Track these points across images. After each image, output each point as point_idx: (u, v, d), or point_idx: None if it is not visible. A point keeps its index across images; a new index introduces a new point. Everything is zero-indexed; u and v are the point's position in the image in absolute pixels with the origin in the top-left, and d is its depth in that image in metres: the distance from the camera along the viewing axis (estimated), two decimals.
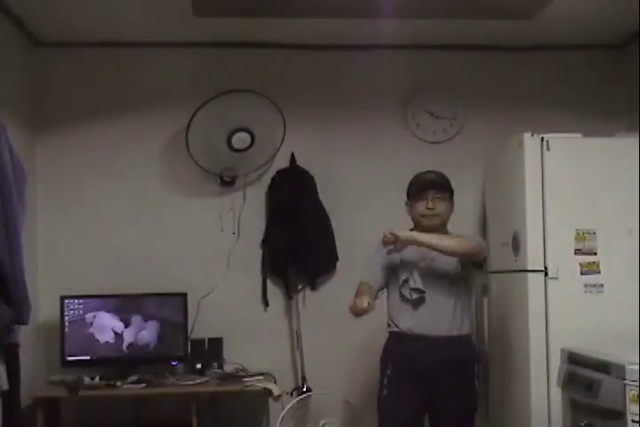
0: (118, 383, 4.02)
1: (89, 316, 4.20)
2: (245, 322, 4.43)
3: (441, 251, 3.30)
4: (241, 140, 4.28)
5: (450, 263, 3.40)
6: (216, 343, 4.28)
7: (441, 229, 3.45)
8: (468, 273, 3.47)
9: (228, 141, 4.28)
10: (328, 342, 4.40)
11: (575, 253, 3.64)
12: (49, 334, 4.27)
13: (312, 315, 4.45)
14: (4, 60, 3.92)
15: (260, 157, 4.42)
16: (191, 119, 4.29)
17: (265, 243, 4.48)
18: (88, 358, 4.19)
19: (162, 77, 4.49)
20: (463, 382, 3.40)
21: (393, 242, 3.29)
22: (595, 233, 3.64)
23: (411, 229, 3.45)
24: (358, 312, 3.21)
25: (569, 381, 3.25)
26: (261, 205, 4.52)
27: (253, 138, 4.29)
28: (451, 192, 3.47)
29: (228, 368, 4.28)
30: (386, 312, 3.50)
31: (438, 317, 3.36)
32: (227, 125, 4.28)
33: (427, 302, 3.37)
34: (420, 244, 3.30)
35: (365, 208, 4.44)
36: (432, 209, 3.39)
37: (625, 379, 2.82)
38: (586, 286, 3.62)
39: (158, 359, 4.26)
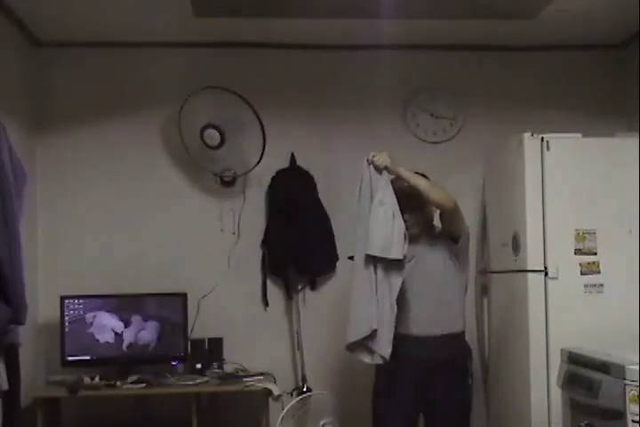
0: (118, 383, 4.02)
1: (89, 316, 4.20)
2: (245, 322, 4.44)
3: (417, 190, 3.33)
4: (210, 136, 4.29)
5: (436, 262, 3.41)
6: (216, 343, 4.28)
7: (422, 233, 3.47)
8: (458, 270, 3.47)
9: (202, 138, 4.30)
10: (328, 342, 4.39)
11: (575, 253, 3.64)
12: (49, 334, 4.27)
13: (312, 315, 4.45)
14: (4, 60, 3.92)
15: (248, 155, 4.41)
16: (179, 120, 4.30)
17: (265, 243, 4.48)
18: (88, 358, 4.19)
19: (162, 77, 4.49)
20: (457, 381, 3.42)
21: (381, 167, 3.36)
22: (595, 233, 3.64)
23: None
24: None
25: (569, 381, 3.25)
26: (261, 205, 4.53)
27: (223, 135, 4.30)
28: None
29: (228, 368, 4.28)
30: None
31: (431, 318, 3.38)
32: (199, 123, 4.31)
33: (418, 303, 3.38)
34: (403, 178, 3.34)
35: None
36: (407, 221, 3.37)
37: (625, 379, 2.82)
38: (586, 286, 3.63)
39: (158, 359, 4.26)
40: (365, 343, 3.30)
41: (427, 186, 3.33)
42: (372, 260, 3.30)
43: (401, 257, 3.26)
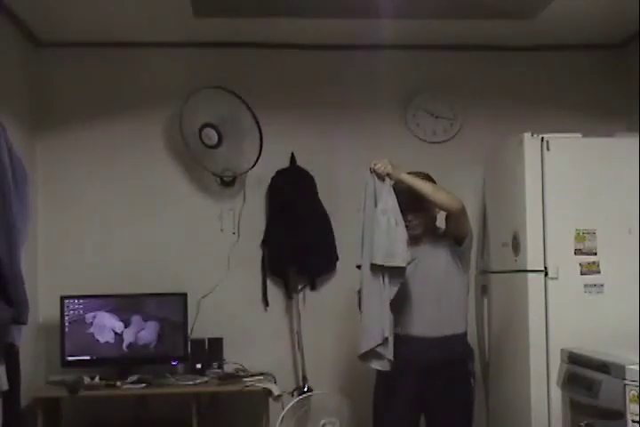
0: (118, 383, 4.02)
1: (89, 316, 4.20)
2: (245, 322, 4.44)
3: (423, 195, 3.31)
4: (208, 135, 4.30)
5: (438, 263, 3.41)
6: (216, 343, 4.28)
7: (426, 234, 3.46)
8: (461, 271, 3.46)
9: (200, 137, 4.31)
10: (328, 342, 4.41)
11: (575, 253, 3.63)
12: (49, 334, 4.28)
13: (312, 315, 4.45)
14: (4, 60, 3.92)
15: (247, 155, 4.41)
16: (180, 119, 4.30)
17: (265, 243, 4.48)
18: (88, 358, 4.20)
19: (161, 77, 4.49)
20: (459, 381, 3.41)
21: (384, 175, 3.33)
22: (595, 233, 3.64)
23: None
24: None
25: (569, 381, 3.25)
26: (261, 205, 4.53)
27: (220, 134, 4.31)
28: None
29: (228, 368, 4.28)
30: None
31: (432, 319, 3.38)
32: (198, 123, 4.32)
33: (420, 304, 3.38)
34: (408, 185, 3.32)
35: None
36: (411, 221, 3.38)
37: (625, 379, 2.82)
38: (586, 286, 3.62)
39: (158, 359, 4.26)
40: (374, 350, 3.29)
41: (431, 190, 3.32)
42: (378, 268, 3.30)
43: (404, 265, 3.27)
